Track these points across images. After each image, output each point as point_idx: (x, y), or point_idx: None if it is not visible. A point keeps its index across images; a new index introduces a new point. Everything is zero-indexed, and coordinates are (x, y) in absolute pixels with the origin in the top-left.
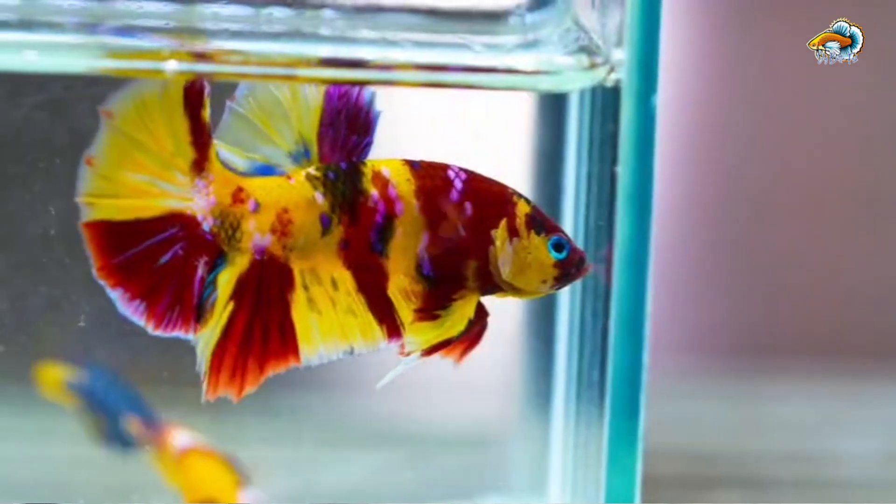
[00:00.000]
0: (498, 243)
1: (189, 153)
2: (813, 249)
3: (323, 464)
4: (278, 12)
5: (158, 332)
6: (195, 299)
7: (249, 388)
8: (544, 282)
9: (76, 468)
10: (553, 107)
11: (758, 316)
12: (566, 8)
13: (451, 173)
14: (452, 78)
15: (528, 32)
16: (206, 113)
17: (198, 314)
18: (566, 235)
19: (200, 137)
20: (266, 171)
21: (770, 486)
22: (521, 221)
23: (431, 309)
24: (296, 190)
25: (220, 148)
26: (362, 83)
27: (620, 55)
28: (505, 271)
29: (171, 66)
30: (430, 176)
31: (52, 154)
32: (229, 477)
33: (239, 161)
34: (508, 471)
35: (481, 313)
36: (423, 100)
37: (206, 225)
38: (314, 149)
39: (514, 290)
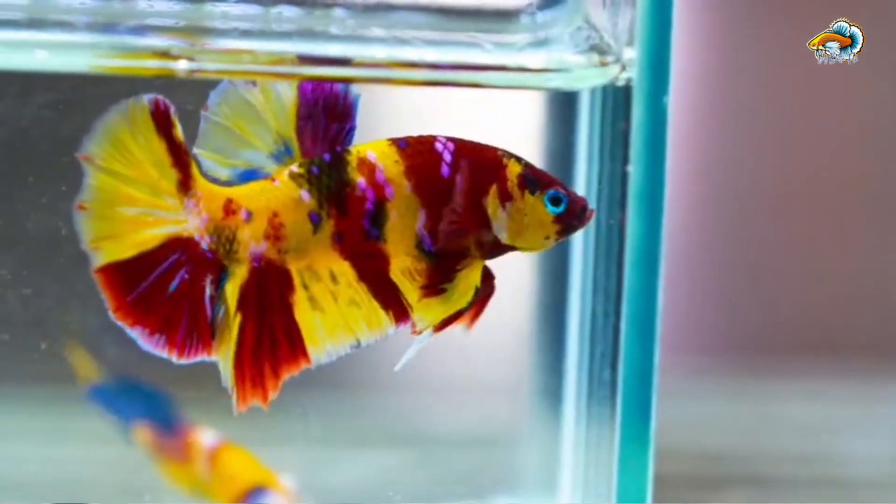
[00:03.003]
0: (490, 211)
1: (172, 175)
2: (823, 249)
3: (333, 463)
4: (288, 11)
5: (183, 360)
6: (209, 320)
7: (272, 394)
8: (547, 238)
9: (88, 468)
10: (564, 105)
11: (767, 316)
12: (577, 6)
13: (438, 146)
14: (463, 76)
15: (539, 31)
16: (179, 131)
17: (212, 332)
18: (563, 187)
19: (179, 157)
20: (250, 175)
21: (779, 485)
22: (512, 184)
23: (437, 283)
24: (281, 191)
25: (202, 157)
26: (372, 82)
27: (631, 54)
28: (503, 236)
29: (182, 65)
30: (418, 153)
31: (61, 153)
32: (264, 467)
33: (222, 169)
34: (519, 471)
35: (487, 277)
36: (433, 98)
37: (205, 243)
38: (295, 145)
39: (520, 250)
